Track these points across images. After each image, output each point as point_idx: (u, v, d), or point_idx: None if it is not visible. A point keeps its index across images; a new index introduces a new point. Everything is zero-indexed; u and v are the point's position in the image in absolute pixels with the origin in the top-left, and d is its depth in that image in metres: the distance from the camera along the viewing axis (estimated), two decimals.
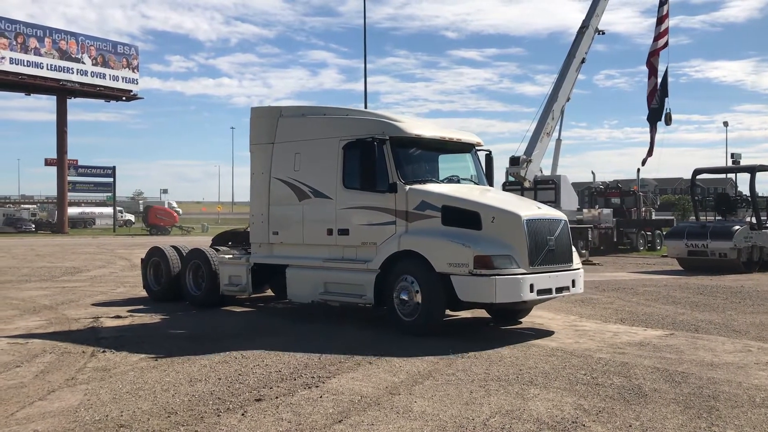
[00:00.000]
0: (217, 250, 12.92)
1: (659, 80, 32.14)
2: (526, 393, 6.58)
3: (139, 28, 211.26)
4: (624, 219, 31.43)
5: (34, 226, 69.25)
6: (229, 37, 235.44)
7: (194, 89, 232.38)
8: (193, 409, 6.03)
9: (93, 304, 13.00)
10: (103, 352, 8.49)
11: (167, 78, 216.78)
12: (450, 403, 6.23)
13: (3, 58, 59.54)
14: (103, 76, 66.36)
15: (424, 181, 10.22)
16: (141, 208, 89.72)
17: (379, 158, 9.95)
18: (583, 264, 22.56)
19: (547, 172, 29.95)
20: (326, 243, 10.66)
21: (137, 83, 70.00)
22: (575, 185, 31.66)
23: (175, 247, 13.79)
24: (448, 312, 10.19)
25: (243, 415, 5.85)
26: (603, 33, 31.08)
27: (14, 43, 60.32)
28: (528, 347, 8.81)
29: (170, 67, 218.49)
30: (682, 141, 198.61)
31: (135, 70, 69.41)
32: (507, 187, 29.69)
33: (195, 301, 12.75)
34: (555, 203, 27.83)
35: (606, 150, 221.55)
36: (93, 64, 65.70)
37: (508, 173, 28.82)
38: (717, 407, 6.11)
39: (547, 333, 9.89)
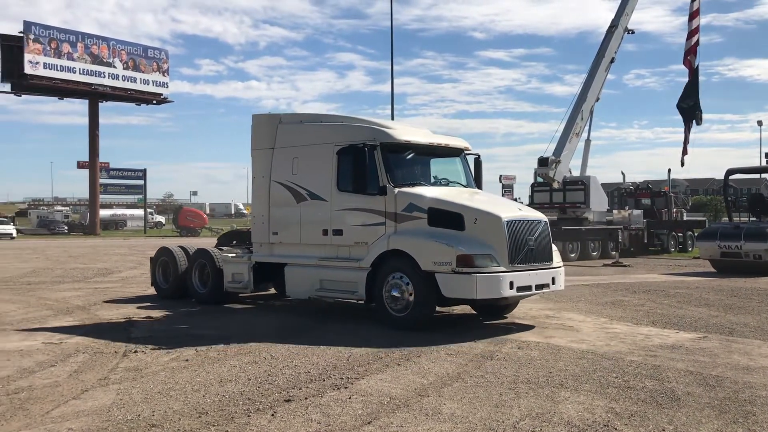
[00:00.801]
0: (221, 250, 13.47)
1: (690, 80, 31.71)
2: (556, 396, 6.52)
3: (169, 32, 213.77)
4: (654, 220, 31.03)
5: (67, 228, 70.43)
6: (258, 41, 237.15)
7: (223, 92, 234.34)
8: (223, 409, 6.07)
9: (124, 305, 13.18)
10: (135, 352, 8.59)
11: (197, 81, 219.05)
12: (479, 405, 6.20)
13: (37, 63, 60.69)
14: (134, 80, 67.32)
15: (413, 185, 10.73)
16: (207, 209, 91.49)
17: (370, 163, 10.50)
18: (612, 265, 22.62)
19: (576, 173, 29.72)
20: (322, 243, 11.23)
21: (167, 87, 70.89)
22: (604, 186, 31.35)
23: (182, 247, 14.37)
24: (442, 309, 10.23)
25: (273, 415, 5.88)
26: (633, 32, 30.79)
27: (48, 48, 61.46)
28: (558, 350, 8.73)
29: (200, 71, 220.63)
30: (715, 141, 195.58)
31: (165, 74, 70.29)
32: (535, 188, 29.58)
33: (200, 298, 13.33)
34: (584, 204, 27.69)
35: (636, 150, 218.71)
36: (124, 68, 66.68)
37: (536, 174, 28.66)
38: (754, 412, 5.99)
39: (576, 334, 9.80)
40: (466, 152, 12.01)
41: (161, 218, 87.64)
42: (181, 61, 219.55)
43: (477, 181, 12.04)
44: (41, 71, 60.94)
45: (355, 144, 10.64)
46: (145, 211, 76.35)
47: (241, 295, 13.46)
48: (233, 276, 12.72)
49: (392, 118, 35.27)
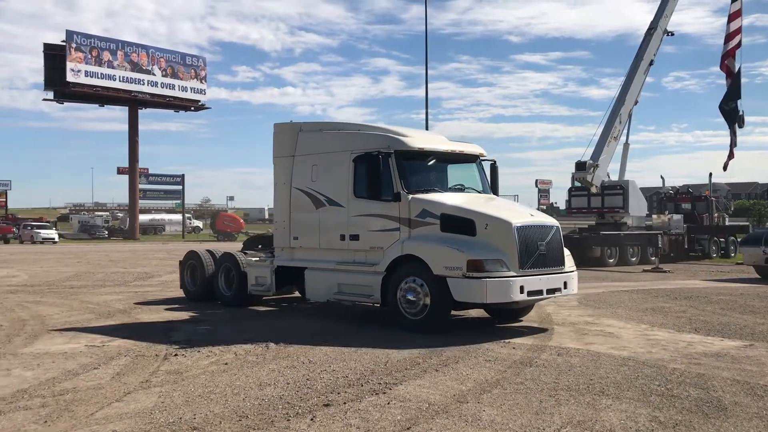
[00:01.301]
0: (245, 254, 13.92)
1: (732, 81, 31.08)
2: (597, 403, 6.42)
3: (207, 40, 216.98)
4: (695, 225, 30.46)
5: (107, 232, 71.84)
6: (294, 47, 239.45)
7: (260, 99, 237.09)
8: (263, 413, 6.11)
9: (164, 309, 13.36)
10: (175, 355, 8.70)
11: (234, 88, 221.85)
12: (519, 412, 6.14)
13: (79, 71, 62.15)
14: (173, 87, 68.49)
15: (427, 191, 10.93)
16: (266, 214, 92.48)
17: (385, 170, 10.76)
18: (652, 271, 22.24)
19: (614, 177, 29.32)
20: (339, 247, 11.52)
21: (205, 93, 71.96)
22: (643, 190, 30.86)
23: (209, 251, 14.79)
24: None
25: (312, 420, 5.90)
26: (672, 34, 30.34)
27: (89, 56, 62.88)
28: (598, 356, 8.60)
29: (237, 78, 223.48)
30: (758, 144, 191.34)
31: (203, 81, 71.35)
32: (573, 192, 29.26)
33: (226, 300, 13.82)
34: (623, 209, 27.31)
35: (675, 154, 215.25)
36: (163, 76, 67.88)
37: (574, 178, 28.35)
38: None
39: (616, 341, 9.64)
40: (481, 158, 12.20)
41: (199, 223, 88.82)
42: (219, 68, 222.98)
43: (493, 187, 12.23)
44: (83, 79, 62.41)
45: (370, 152, 10.90)
46: (183, 215, 77.46)
47: (264, 297, 13.81)
48: (257, 279, 13.10)
49: (426, 123, 35.31)
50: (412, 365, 8.06)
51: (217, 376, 7.53)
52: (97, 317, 12.25)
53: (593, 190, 27.80)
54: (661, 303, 14.11)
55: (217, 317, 12.21)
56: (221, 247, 16.71)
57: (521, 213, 10.80)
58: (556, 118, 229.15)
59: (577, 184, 28.65)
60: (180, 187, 76.56)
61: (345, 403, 6.43)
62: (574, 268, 10.99)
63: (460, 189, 11.65)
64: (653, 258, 25.28)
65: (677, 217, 29.79)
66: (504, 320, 11.42)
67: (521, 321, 11.46)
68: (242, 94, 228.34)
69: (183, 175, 77.16)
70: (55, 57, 61.98)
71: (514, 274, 9.82)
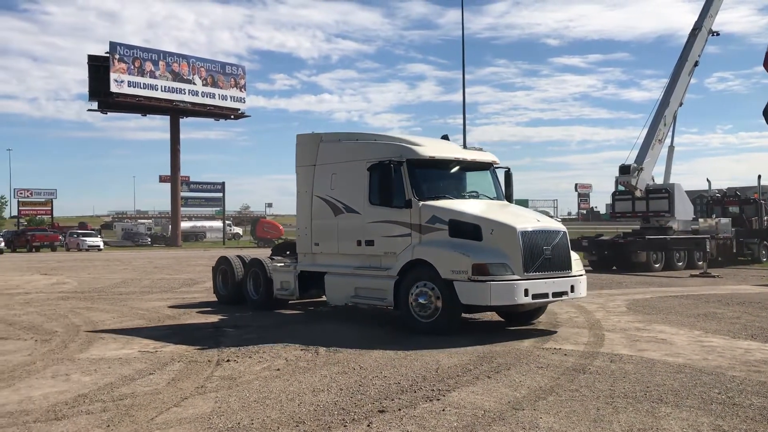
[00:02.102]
0: (272, 260, 14.52)
1: None
2: (656, 411, 6.30)
3: (245, 49, 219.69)
4: (744, 229, 29.73)
5: (149, 239, 73.06)
6: (330, 54, 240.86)
7: (297, 106, 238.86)
8: (319, 418, 6.14)
9: (212, 314, 13.53)
10: (227, 361, 8.80)
11: (272, 96, 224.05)
12: (577, 419, 6.06)
13: (122, 81, 63.46)
14: (213, 96, 69.46)
15: (438, 198, 11.25)
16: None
17: (397, 178, 11.16)
18: (700, 276, 21.79)
19: (659, 181, 28.81)
20: (356, 253, 11.94)
21: (244, 102, 72.83)
22: (686, 194, 30.19)
23: (239, 257, 15.41)
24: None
25: (369, 426, 5.90)
26: (717, 34, 29.75)
27: (132, 67, 64.17)
28: (652, 363, 8.45)
29: (274, 86, 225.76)
30: None
31: (242, 90, 72.24)
32: (617, 196, 28.85)
33: (254, 304, 14.41)
34: (669, 213, 26.82)
35: (719, 156, 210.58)
36: (203, 85, 68.91)
37: (618, 182, 27.93)
38: None
39: (670, 347, 9.46)
40: (495, 166, 12.52)
41: (239, 230, 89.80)
42: (257, 76, 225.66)
43: (507, 193, 12.54)
44: (126, 89, 63.70)
45: (383, 160, 11.28)
46: (224, 222, 78.39)
47: (290, 302, 14.32)
48: (281, 284, 13.68)
49: (464, 128, 35.16)
50: (463, 372, 8.02)
51: (270, 382, 7.60)
52: (147, 323, 12.47)
53: (638, 193, 27.35)
54: (713, 309, 13.81)
55: (262, 323, 12.32)
56: (257, 253, 16.98)
57: (527, 218, 11.00)
58: (596, 121, 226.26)
59: (621, 188, 28.19)
60: (220, 194, 77.58)
61: (400, 409, 6.42)
62: (583, 272, 11.19)
63: (474, 196, 11.97)
64: (701, 263, 24.76)
65: (725, 220, 29.13)
66: (516, 323, 11.65)
67: (533, 324, 11.64)
68: (279, 101, 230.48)
69: (223, 183, 78.25)
70: (99, 68, 63.35)
71: (519, 277, 10.08)
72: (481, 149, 12.82)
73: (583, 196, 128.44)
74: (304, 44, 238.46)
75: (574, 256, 11.07)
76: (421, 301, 10.56)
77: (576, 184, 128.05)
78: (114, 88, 62.88)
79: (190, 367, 8.48)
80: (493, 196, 12.25)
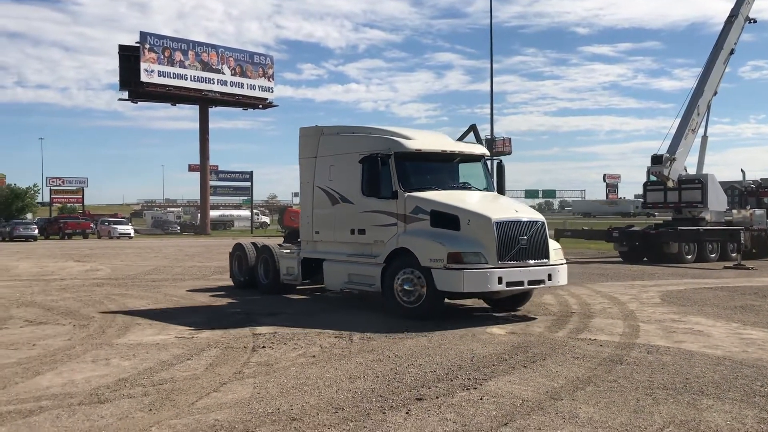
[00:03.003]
0: (280, 246, 15.33)
1: None
2: (698, 403, 6.23)
3: (273, 38, 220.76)
4: None
5: (179, 227, 73.77)
6: (358, 44, 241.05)
7: (324, 96, 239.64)
8: (357, 405, 6.17)
9: (244, 301, 13.64)
10: (263, 347, 8.87)
11: (299, 86, 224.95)
12: (617, 410, 6.01)
13: (152, 71, 63.98)
14: (241, 86, 69.74)
15: (423, 189, 11.62)
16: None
17: (385, 170, 11.61)
18: (734, 268, 21.45)
19: (691, 171, 28.37)
20: (350, 241, 12.46)
21: (272, 91, 73.03)
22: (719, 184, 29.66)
23: (254, 243, 16.20)
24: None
25: (407, 413, 5.92)
26: (755, 21, 29.11)
27: (162, 57, 64.64)
28: (691, 355, 8.35)
29: (302, 75, 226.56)
30: None
31: (270, 79, 72.44)
32: (648, 187, 28.48)
33: (263, 288, 15.15)
34: (702, 203, 26.40)
35: (752, 147, 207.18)
36: (232, 75, 69.21)
37: (649, 172, 27.55)
38: None
39: (708, 339, 9.34)
40: (485, 158, 12.97)
41: (266, 218, 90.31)
42: (285, 66, 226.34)
43: (499, 185, 13.00)
44: (156, 79, 64.21)
45: (373, 154, 11.73)
46: (251, 211, 78.85)
47: (298, 287, 14.92)
48: (287, 269, 14.37)
49: (491, 118, 35.04)
50: (498, 361, 8.00)
51: (307, 368, 7.65)
52: (182, 309, 12.61)
53: (670, 184, 26.93)
54: (749, 301, 13.59)
55: (296, 309, 12.41)
56: (258, 239, 17.80)
57: (505, 209, 11.30)
58: (626, 111, 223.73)
59: (653, 178, 27.80)
60: (248, 183, 77.96)
61: (437, 397, 6.43)
62: (563, 261, 11.57)
63: (462, 187, 12.30)
64: (735, 254, 24.36)
65: (760, 212, 28.57)
66: (501, 309, 12.00)
67: (519, 310, 11.96)
68: (307, 91, 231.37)
69: (251, 172, 78.57)
70: (129, 58, 63.91)
71: (492, 265, 10.47)
72: (475, 143, 13.30)
73: (612, 187, 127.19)
74: (331, 34, 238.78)
75: (555, 246, 11.47)
76: (406, 287, 10.99)
77: (604, 175, 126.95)
78: (144, 77, 63.38)
79: (226, 353, 8.56)
80: (483, 187, 12.62)
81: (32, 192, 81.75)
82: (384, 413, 5.93)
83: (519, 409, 6.06)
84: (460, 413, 5.93)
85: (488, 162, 13.05)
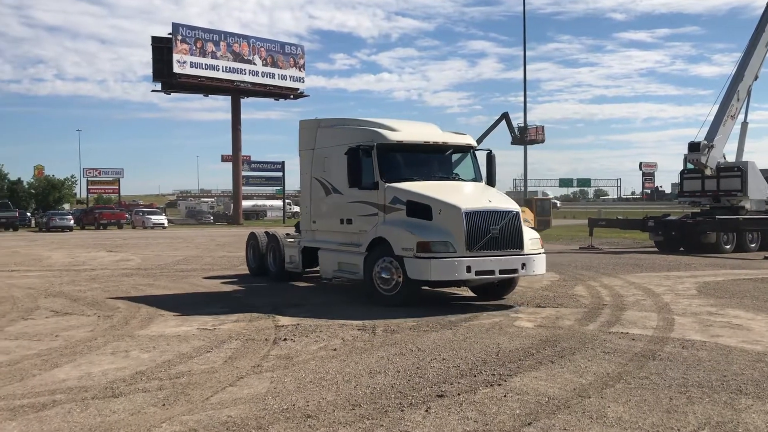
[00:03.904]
0: (287, 235, 15.84)
1: None
2: (736, 403, 5.89)
3: (306, 29, 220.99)
4: None
5: (212, 217, 74.41)
6: (390, 33, 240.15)
7: (356, 86, 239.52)
8: (376, 402, 5.96)
9: (270, 293, 13.53)
10: (284, 340, 8.72)
11: (331, 76, 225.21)
12: (648, 410, 5.70)
13: (184, 62, 64.33)
14: (273, 76, 69.81)
15: (405, 180, 11.83)
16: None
17: (368, 161, 11.92)
18: None
19: (730, 159, 27.53)
20: (340, 230, 12.87)
21: (303, 81, 72.96)
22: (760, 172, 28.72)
23: (266, 233, 16.65)
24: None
25: (427, 411, 5.69)
26: None
27: (194, 48, 64.97)
28: (728, 350, 7.97)
29: (334, 65, 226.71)
30: None
31: (301, 69, 72.38)
32: (685, 175, 27.73)
33: (271, 276, 15.79)
34: (741, 192, 25.61)
35: None
36: (263, 65, 69.32)
37: (686, 160, 26.80)
38: None
39: (747, 334, 8.92)
40: (473, 149, 13.01)
41: (297, 208, 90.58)
42: (317, 56, 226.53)
43: (489, 175, 13.04)
44: (188, 70, 64.54)
45: (357, 145, 12.00)
46: (283, 201, 79.11)
47: (304, 275, 15.28)
48: (290, 258, 14.95)
49: (524, 106, 34.59)
50: (525, 356, 7.72)
51: (327, 362, 7.46)
52: (207, 300, 12.53)
53: (708, 172, 26.15)
54: None
55: (321, 301, 12.25)
56: (272, 228, 18.34)
57: (477, 199, 11.42)
58: (663, 98, 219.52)
59: (690, 166, 27.01)
60: (280, 173, 78.11)
61: (459, 394, 6.19)
62: (540, 250, 11.58)
63: (446, 178, 12.47)
64: None
65: None
66: (485, 298, 12.20)
67: (503, 299, 12.05)
68: (339, 81, 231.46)
69: (283, 162, 78.65)
70: (162, 49, 64.29)
71: (460, 255, 10.63)
72: (463, 134, 13.21)
73: (648, 175, 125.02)
74: (364, 23, 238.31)
75: (532, 235, 11.56)
76: (384, 275, 11.30)
77: (640, 163, 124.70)
78: (177, 68, 63.72)
79: (246, 345, 8.42)
80: (471, 177, 12.77)
81: (69, 183, 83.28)
82: (402, 411, 5.70)
83: (544, 407, 5.79)
84: (482, 411, 5.68)
85: (492, 153, 13.12)
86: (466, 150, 12.95)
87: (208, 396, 6.16)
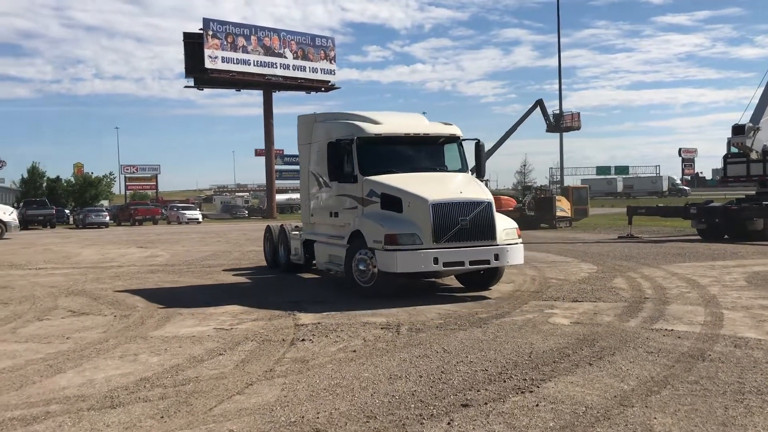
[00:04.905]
0: (297, 228, 15.84)
1: None
2: None
3: (339, 22, 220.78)
4: None
5: (246, 212, 74.59)
6: (423, 23, 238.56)
7: (389, 77, 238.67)
8: (393, 413, 5.40)
9: (295, 290, 13.08)
10: (302, 340, 8.22)
11: (364, 68, 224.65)
12: (700, 422, 5.05)
13: (216, 57, 64.41)
14: (303, 69, 69.53)
15: (384, 173, 11.76)
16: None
17: (348, 155, 12.05)
18: None
19: None
20: (330, 223, 13.12)
21: (334, 73, 72.57)
22: None
23: (280, 226, 16.82)
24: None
25: (449, 424, 5.11)
26: None
27: (225, 43, 65.00)
28: None
29: (367, 58, 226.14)
30: None
31: (332, 61, 71.97)
32: (729, 159, 26.57)
33: (282, 268, 16.11)
34: None
35: None
36: (294, 58, 69.09)
37: (730, 144, 25.64)
38: None
39: None
40: (461, 139, 12.82)
41: None
42: (350, 49, 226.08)
43: (477, 165, 12.99)
44: (219, 65, 64.61)
45: (337, 139, 12.16)
46: None
47: (312, 267, 15.16)
48: (294, 250, 15.22)
49: (560, 94, 33.51)
50: (561, 357, 7.09)
51: (344, 366, 6.94)
52: (229, 298, 12.08)
53: (753, 156, 24.93)
54: None
55: (345, 297, 11.71)
56: (287, 221, 18.35)
57: (448, 191, 11.27)
58: (703, 82, 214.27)
59: (734, 150, 25.85)
60: None
61: (486, 403, 5.60)
62: (516, 241, 11.42)
63: (429, 169, 12.34)
64: None
65: None
66: (472, 288, 12.11)
67: (490, 290, 11.96)
68: (372, 73, 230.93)
69: None
70: (194, 45, 64.41)
71: (427, 246, 10.61)
72: (450, 124, 13.01)
73: (688, 162, 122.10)
74: (396, 14, 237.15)
75: (507, 226, 11.45)
76: (361, 267, 11.40)
77: (680, 149, 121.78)
78: (208, 64, 63.82)
79: (262, 347, 7.94)
80: (457, 168, 12.64)
81: (108, 180, 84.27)
82: (422, 424, 5.14)
83: (581, 418, 5.18)
84: (511, 424, 5.09)
85: (481, 143, 12.98)
86: (452, 140, 12.81)
87: (211, 406, 5.68)
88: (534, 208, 34.27)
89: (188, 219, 57.57)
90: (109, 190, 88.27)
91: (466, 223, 10.89)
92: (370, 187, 11.67)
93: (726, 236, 23.53)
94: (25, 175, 79.83)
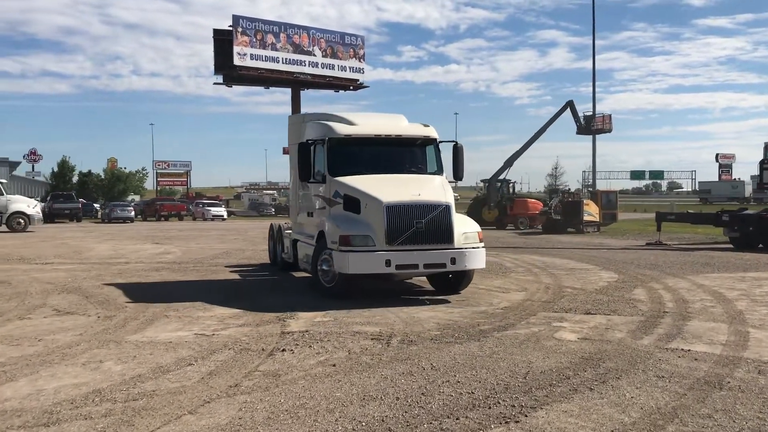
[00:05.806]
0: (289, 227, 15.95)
1: None
2: None
3: (374, 21, 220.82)
4: None
5: (273, 209, 74.42)
6: (459, 24, 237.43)
7: (423, 77, 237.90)
8: None
9: (294, 292, 12.50)
10: (282, 351, 7.61)
11: (398, 68, 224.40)
12: None
13: (245, 54, 64.19)
14: (332, 67, 68.92)
15: (353, 174, 11.68)
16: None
17: (320, 156, 12.10)
18: None
19: None
20: (307, 222, 13.28)
21: (363, 72, 71.81)
22: None
23: (280, 225, 16.84)
24: None
25: None
26: None
27: (254, 40, 64.74)
28: None
29: (401, 57, 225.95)
30: None
31: (361, 60, 71.27)
32: (766, 165, 25.39)
33: (279, 265, 16.18)
34: None
35: None
36: (323, 56, 68.59)
37: (766, 149, 24.48)
38: None
39: None
40: (436, 141, 12.60)
41: None
42: (384, 48, 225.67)
43: (455, 167, 12.73)
44: (248, 62, 64.26)
45: (306, 140, 12.35)
46: None
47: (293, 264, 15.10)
48: (286, 249, 15.35)
49: (593, 97, 32.52)
50: (559, 380, 6.36)
51: (317, 383, 6.30)
52: (225, 299, 11.54)
53: None
54: None
55: (344, 302, 11.06)
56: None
57: (406, 193, 11.06)
58: (744, 87, 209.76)
59: None
60: None
61: None
62: (477, 245, 11.20)
63: (405, 171, 12.19)
64: None
65: None
66: (442, 292, 11.95)
67: (459, 293, 11.77)
68: (406, 74, 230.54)
69: None
70: (223, 42, 64.17)
71: (379, 248, 10.57)
72: (427, 125, 12.81)
73: (725, 167, 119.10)
74: (432, 14, 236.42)
75: (468, 229, 11.25)
76: (324, 267, 11.42)
77: (717, 154, 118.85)
78: (237, 61, 63.44)
79: (237, 357, 7.35)
80: (433, 170, 12.44)
81: (140, 175, 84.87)
82: None
83: None
84: None
85: (457, 145, 12.68)
86: (428, 143, 12.63)
87: (154, 428, 5.08)
88: (561, 212, 33.30)
89: (213, 216, 57.53)
90: (141, 185, 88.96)
91: (421, 225, 10.77)
92: (335, 188, 11.66)
93: (760, 245, 22.40)
94: (56, 169, 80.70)
